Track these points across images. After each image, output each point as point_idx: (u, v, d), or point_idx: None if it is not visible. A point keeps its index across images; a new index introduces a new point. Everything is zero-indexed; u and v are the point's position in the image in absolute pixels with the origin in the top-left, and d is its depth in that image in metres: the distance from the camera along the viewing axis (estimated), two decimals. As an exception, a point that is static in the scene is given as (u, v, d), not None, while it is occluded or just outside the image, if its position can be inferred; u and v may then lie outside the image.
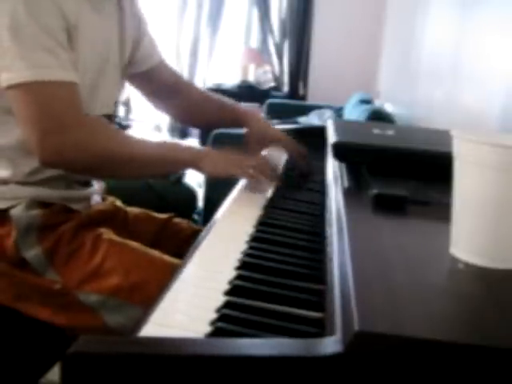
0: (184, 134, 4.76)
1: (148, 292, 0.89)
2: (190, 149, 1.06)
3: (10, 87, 0.92)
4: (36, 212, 1.00)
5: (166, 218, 1.24)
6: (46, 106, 0.93)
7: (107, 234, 1.03)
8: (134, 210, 1.24)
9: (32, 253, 0.97)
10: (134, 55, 1.20)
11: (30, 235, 0.98)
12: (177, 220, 1.25)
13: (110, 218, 1.14)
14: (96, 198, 1.16)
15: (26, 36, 0.91)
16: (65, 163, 0.98)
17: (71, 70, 0.96)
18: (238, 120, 1.34)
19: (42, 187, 1.03)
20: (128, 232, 1.15)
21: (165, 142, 1.09)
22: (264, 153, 1.30)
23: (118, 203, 1.22)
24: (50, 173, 1.03)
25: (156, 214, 1.25)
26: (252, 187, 1.06)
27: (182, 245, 1.15)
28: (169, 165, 1.06)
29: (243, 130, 1.32)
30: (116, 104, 1.22)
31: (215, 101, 1.39)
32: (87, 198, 1.12)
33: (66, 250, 0.98)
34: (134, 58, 1.20)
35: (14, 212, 0.99)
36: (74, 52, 0.98)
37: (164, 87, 1.31)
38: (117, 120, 1.24)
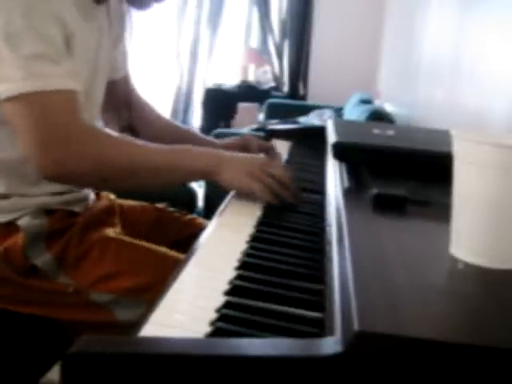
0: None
1: (160, 290, 0.90)
2: (205, 156, 0.97)
3: (9, 99, 0.88)
4: (43, 220, 0.99)
5: (161, 208, 1.25)
6: (45, 116, 0.90)
7: (114, 234, 1.03)
8: (127, 201, 1.25)
9: (42, 260, 0.97)
10: None
11: (39, 243, 0.97)
12: (172, 209, 1.26)
13: (111, 215, 1.14)
14: (91, 196, 1.15)
15: (24, 44, 0.87)
16: (69, 176, 0.93)
17: (71, 78, 0.93)
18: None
19: (43, 196, 1.02)
20: (125, 224, 1.15)
21: (177, 149, 0.98)
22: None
23: (112, 197, 1.22)
24: (48, 184, 1.00)
25: (150, 205, 1.26)
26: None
27: (179, 233, 1.18)
28: (181, 175, 0.99)
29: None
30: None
31: (169, 125, 1.35)
32: (86, 198, 1.12)
33: (75, 253, 0.98)
34: None
35: (22, 222, 0.98)
36: (73, 60, 0.96)
37: (115, 101, 1.27)
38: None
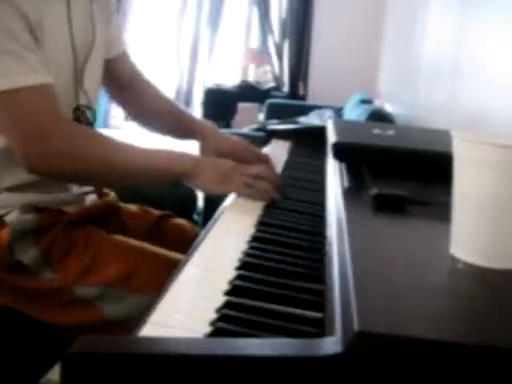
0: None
1: (144, 278, 0.92)
2: (182, 158, 0.99)
3: None
4: (31, 216, 0.99)
5: (162, 215, 1.25)
6: (22, 114, 0.91)
7: (99, 232, 1.03)
8: (130, 206, 1.24)
9: (28, 255, 0.97)
10: None
11: (26, 239, 0.97)
12: (173, 218, 1.26)
13: (101, 215, 1.13)
14: (92, 198, 1.14)
15: None
16: (51, 171, 0.96)
17: (42, 72, 0.92)
18: (192, 132, 1.29)
19: (34, 193, 1.02)
20: (122, 229, 1.15)
21: (154, 150, 1.01)
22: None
23: (112, 199, 1.21)
24: (38, 179, 1.01)
25: (152, 210, 1.26)
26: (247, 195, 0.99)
27: (178, 243, 1.15)
28: (157, 175, 1.01)
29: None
30: (97, 96, 1.16)
31: (170, 105, 1.33)
32: (81, 200, 1.11)
33: (61, 248, 0.98)
34: None
35: (9, 218, 0.98)
36: (42, 51, 0.94)
37: (118, 80, 1.25)
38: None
